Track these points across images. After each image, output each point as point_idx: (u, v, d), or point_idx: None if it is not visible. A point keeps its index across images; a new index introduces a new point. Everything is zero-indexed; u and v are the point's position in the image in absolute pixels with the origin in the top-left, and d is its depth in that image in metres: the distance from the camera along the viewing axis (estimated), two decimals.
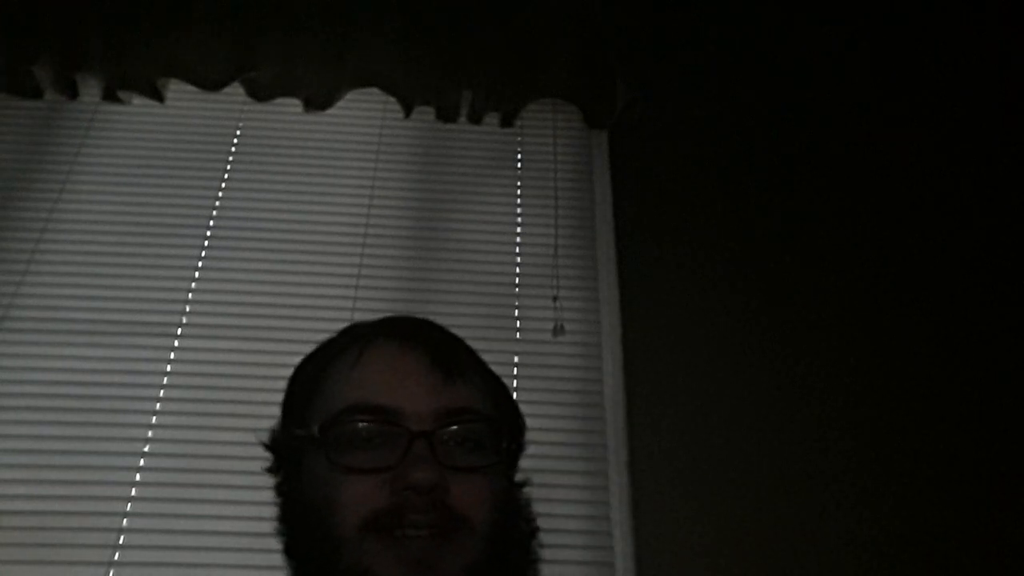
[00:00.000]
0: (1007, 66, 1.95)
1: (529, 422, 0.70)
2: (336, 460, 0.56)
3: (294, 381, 0.68)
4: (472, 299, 1.62)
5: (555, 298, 1.61)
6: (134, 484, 1.38)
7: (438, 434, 0.57)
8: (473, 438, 0.59)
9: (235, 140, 1.78)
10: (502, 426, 0.62)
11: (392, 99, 1.83)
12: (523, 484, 0.66)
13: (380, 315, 1.69)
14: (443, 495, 0.55)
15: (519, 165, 1.81)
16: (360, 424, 0.57)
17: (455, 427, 0.58)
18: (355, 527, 0.54)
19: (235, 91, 1.81)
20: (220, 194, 1.71)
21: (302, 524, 0.59)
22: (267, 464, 0.66)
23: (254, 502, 1.37)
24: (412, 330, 0.65)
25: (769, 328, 1.60)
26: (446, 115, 1.82)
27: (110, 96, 1.77)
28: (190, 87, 1.80)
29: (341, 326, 1.76)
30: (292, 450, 0.63)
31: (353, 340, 0.64)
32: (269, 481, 1.52)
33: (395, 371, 0.60)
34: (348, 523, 0.55)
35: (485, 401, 0.62)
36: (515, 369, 1.54)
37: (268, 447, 0.66)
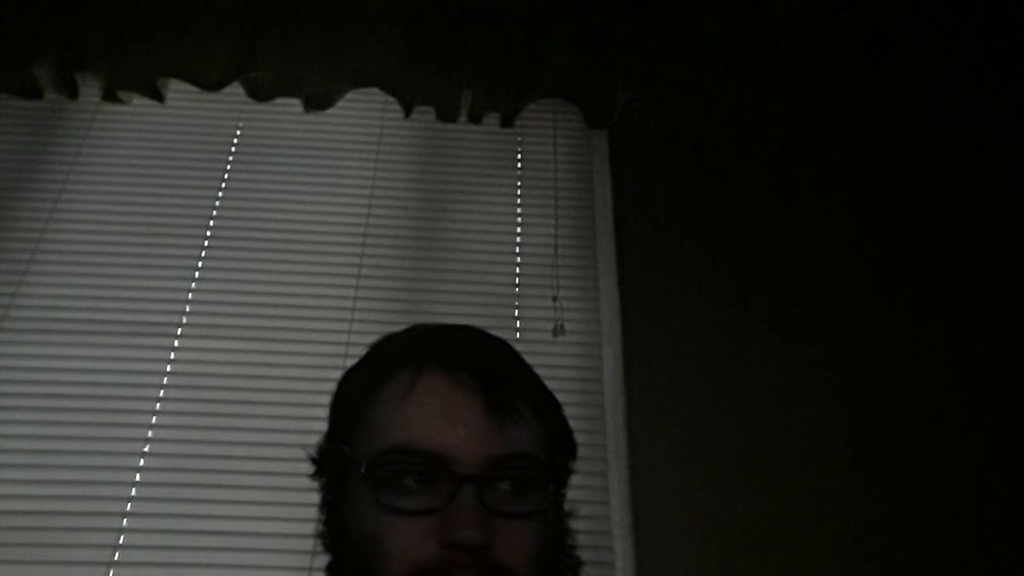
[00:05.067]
0: (1007, 65, 1.95)
1: None
2: (383, 502, 0.56)
3: (341, 394, 0.67)
4: (472, 299, 1.62)
5: (555, 298, 1.61)
6: (134, 484, 1.38)
7: (486, 479, 0.56)
8: (522, 482, 0.58)
9: (235, 140, 1.78)
10: (552, 469, 0.60)
11: (392, 99, 1.83)
12: (569, 514, 0.65)
13: (381, 315, 1.68)
14: (488, 550, 0.54)
15: (519, 165, 1.81)
16: (405, 466, 0.57)
17: (504, 473, 0.57)
18: None
19: (235, 91, 1.81)
20: (220, 194, 1.71)
21: (347, 556, 0.60)
22: (310, 471, 0.66)
23: (254, 502, 1.37)
24: (464, 356, 0.61)
25: (768, 327, 1.60)
26: (446, 115, 1.82)
27: (110, 96, 1.77)
28: (190, 87, 1.81)
29: (341, 326, 1.74)
30: (338, 466, 0.62)
31: (404, 362, 0.62)
32: (268, 481, 1.52)
33: (446, 414, 0.58)
34: (395, 571, 0.55)
35: (538, 439, 0.60)
36: None
37: (313, 458, 0.66)
